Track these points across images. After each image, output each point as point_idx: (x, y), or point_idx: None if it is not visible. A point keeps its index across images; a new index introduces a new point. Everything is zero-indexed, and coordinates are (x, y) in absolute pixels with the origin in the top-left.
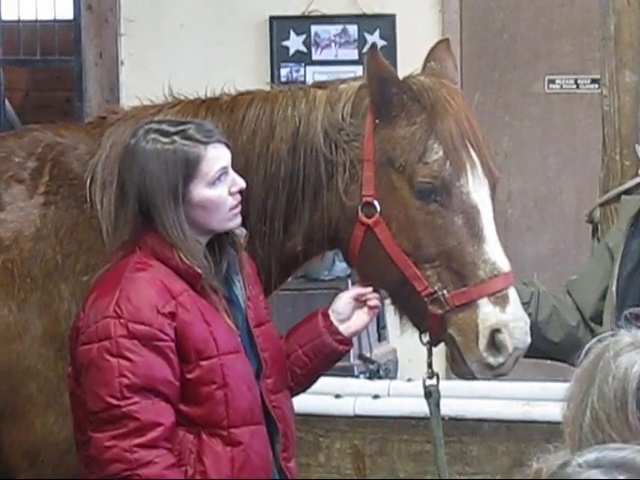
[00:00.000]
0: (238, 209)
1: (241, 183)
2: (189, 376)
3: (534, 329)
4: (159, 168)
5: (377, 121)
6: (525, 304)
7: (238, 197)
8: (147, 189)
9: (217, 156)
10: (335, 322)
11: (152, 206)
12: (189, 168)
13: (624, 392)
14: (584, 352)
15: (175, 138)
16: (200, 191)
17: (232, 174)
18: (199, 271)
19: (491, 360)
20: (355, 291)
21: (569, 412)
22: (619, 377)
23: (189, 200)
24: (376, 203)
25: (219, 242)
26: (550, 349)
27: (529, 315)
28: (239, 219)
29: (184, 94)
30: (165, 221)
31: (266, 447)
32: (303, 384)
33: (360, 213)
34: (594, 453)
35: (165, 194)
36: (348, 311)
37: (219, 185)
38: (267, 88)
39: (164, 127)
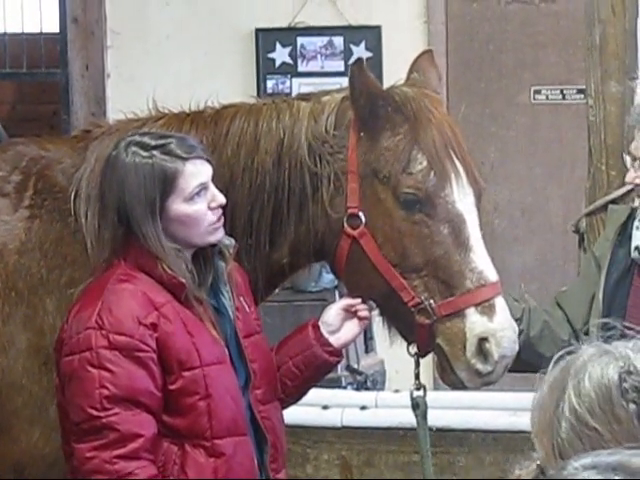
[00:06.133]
0: (219, 224)
1: (221, 199)
2: (172, 387)
3: (527, 345)
4: (137, 182)
5: (362, 134)
6: (517, 320)
7: (218, 212)
8: (126, 202)
9: (195, 172)
10: (325, 334)
11: (131, 219)
12: (166, 184)
13: (606, 387)
14: (552, 363)
15: (154, 152)
16: (178, 206)
17: (212, 189)
18: (182, 281)
19: (479, 366)
20: (345, 302)
21: (542, 419)
22: (596, 377)
23: (167, 215)
24: (361, 214)
25: (204, 254)
26: (544, 364)
27: (521, 331)
28: (220, 233)
29: (169, 107)
30: (145, 234)
31: (251, 459)
32: (293, 396)
33: (345, 225)
34: (589, 458)
35: (143, 208)
36: (338, 322)
37: (198, 201)
38: (252, 100)
39: (145, 140)
